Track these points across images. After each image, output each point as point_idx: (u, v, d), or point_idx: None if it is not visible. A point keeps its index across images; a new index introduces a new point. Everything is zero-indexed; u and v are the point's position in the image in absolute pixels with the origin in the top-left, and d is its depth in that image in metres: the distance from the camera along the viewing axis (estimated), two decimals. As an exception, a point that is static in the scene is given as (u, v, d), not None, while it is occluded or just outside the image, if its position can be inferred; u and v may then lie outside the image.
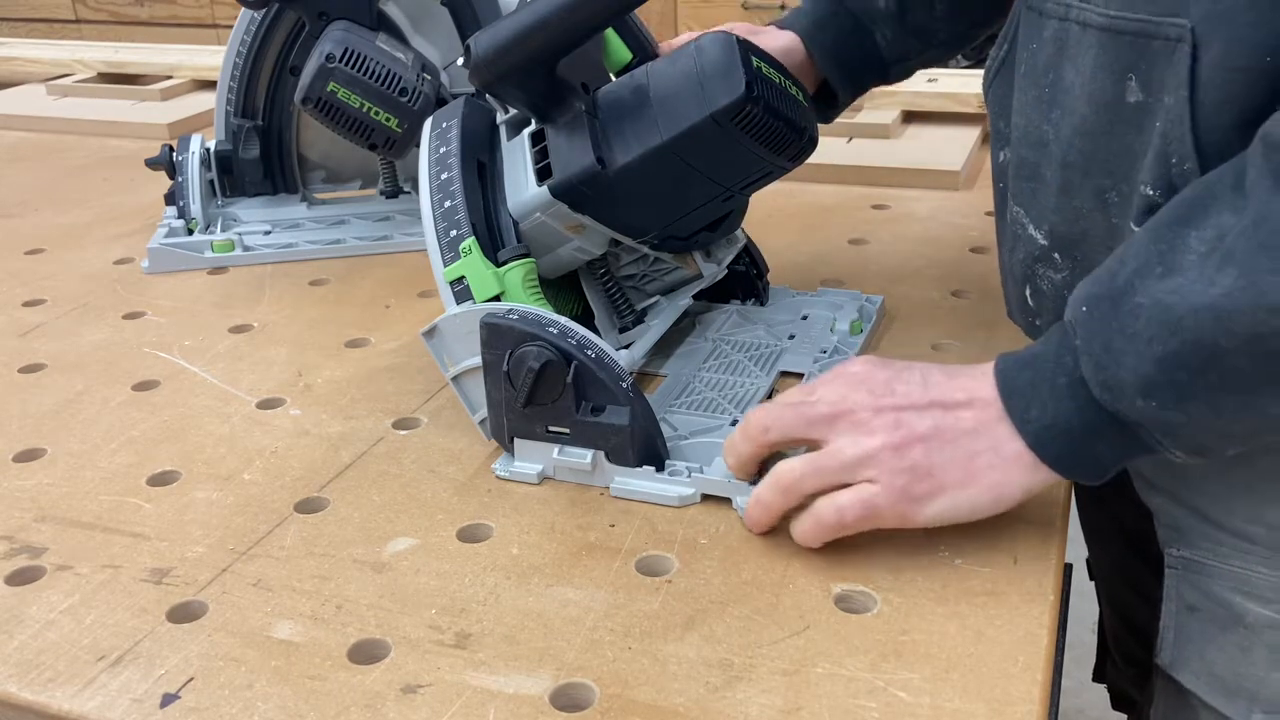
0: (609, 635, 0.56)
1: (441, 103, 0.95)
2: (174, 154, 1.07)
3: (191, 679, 0.54)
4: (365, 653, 0.55)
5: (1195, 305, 0.52)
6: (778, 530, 0.63)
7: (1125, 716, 1.11)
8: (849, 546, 0.61)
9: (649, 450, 0.66)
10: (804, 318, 0.85)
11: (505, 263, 0.69)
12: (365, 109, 0.91)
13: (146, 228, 1.12)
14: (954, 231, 1.04)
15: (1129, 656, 1.06)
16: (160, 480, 0.70)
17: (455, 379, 0.71)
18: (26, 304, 0.97)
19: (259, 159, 1.07)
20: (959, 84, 1.39)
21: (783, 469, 0.61)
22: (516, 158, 0.73)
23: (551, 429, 0.67)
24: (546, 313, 0.67)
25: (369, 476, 0.70)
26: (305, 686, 0.53)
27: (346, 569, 0.61)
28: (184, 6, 3.58)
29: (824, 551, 0.61)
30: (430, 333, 0.70)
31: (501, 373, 0.66)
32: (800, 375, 0.78)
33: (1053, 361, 0.58)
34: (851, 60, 0.89)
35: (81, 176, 1.34)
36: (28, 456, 0.74)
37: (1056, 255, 0.67)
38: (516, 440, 0.69)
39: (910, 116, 1.37)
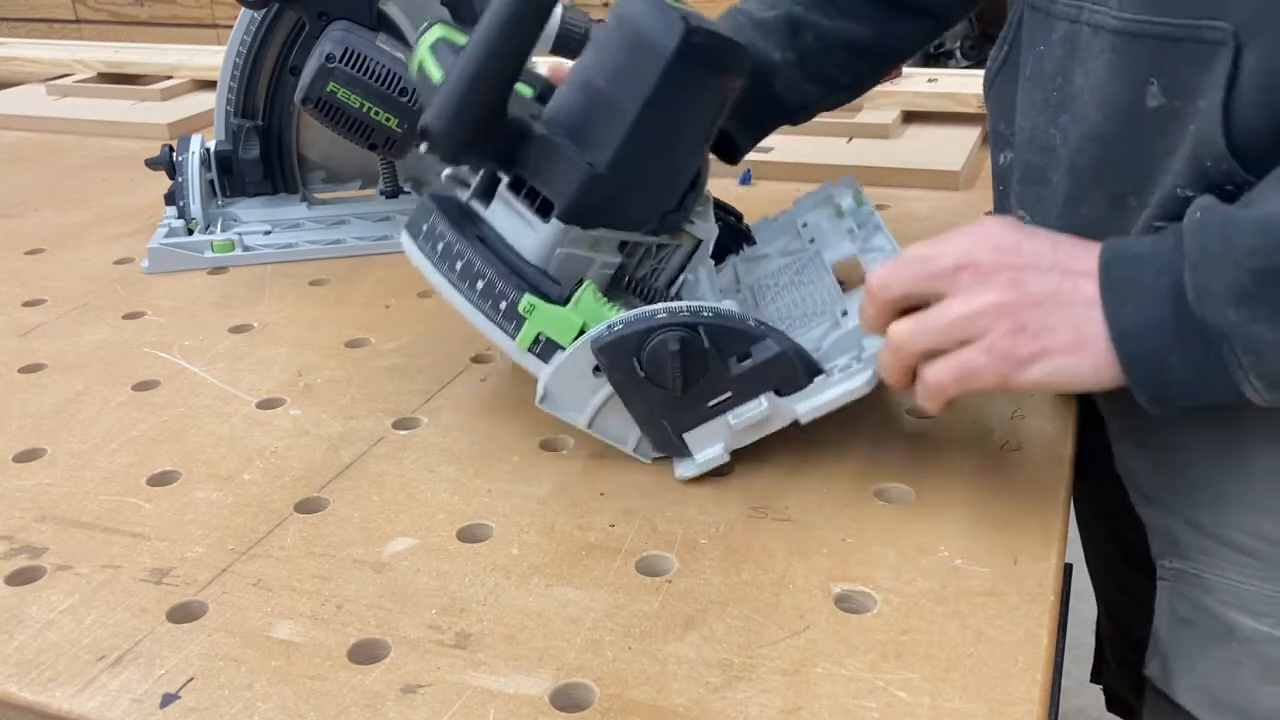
0: (609, 635, 0.56)
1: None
2: (174, 154, 1.07)
3: (191, 679, 0.54)
4: (365, 653, 0.55)
5: None
6: (778, 530, 0.63)
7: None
8: (849, 547, 0.61)
9: (808, 364, 0.66)
10: (804, 225, 0.85)
11: (570, 297, 0.69)
12: (365, 109, 0.91)
13: (146, 228, 1.12)
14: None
15: (1123, 661, 1.06)
16: (160, 480, 0.70)
17: (590, 424, 0.69)
18: (26, 304, 0.97)
19: (259, 159, 1.07)
20: (959, 84, 1.39)
21: (893, 329, 0.60)
22: (508, 215, 0.73)
23: (712, 404, 0.66)
24: (642, 307, 0.67)
25: (369, 476, 0.70)
26: (305, 686, 0.53)
27: (346, 569, 0.61)
28: (184, 6, 3.58)
29: (824, 551, 0.61)
30: (544, 399, 0.69)
31: (641, 381, 0.65)
32: (855, 260, 0.77)
33: (1162, 261, 0.55)
34: (751, 111, 0.88)
35: (81, 176, 1.34)
36: (28, 456, 0.74)
37: None
38: (688, 436, 0.68)
39: (910, 116, 1.37)
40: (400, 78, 0.92)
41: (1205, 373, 0.54)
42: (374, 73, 0.91)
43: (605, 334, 0.66)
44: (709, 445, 0.68)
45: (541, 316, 0.68)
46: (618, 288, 0.78)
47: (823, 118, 0.95)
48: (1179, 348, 0.54)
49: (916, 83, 1.40)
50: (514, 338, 0.69)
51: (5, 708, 0.54)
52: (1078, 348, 0.56)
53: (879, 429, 0.73)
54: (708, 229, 0.81)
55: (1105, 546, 1.02)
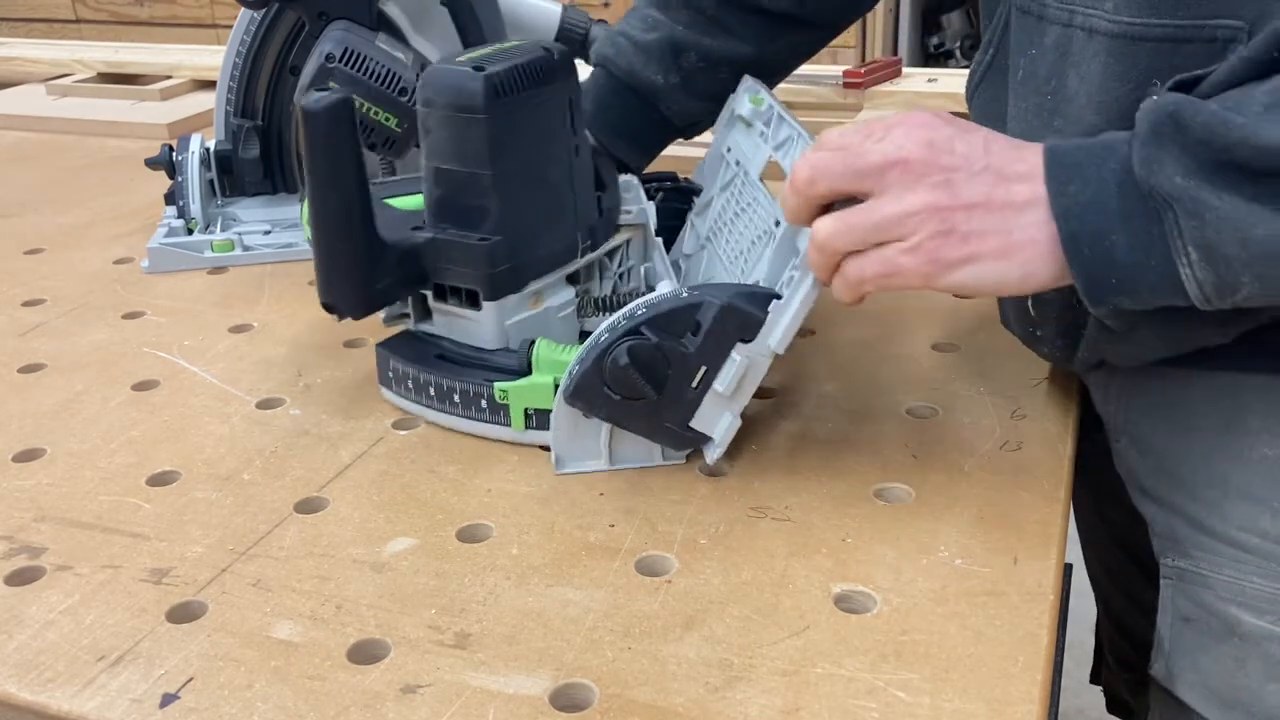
0: (609, 635, 0.56)
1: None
2: (174, 154, 1.07)
3: (191, 679, 0.54)
4: (365, 653, 0.55)
5: (1248, 134, 0.50)
6: (778, 530, 0.63)
7: (1120, 720, 1.11)
8: (849, 547, 0.61)
9: (759, 298, 0.64)
10: (728, 150, 0.84)
11: (529, 363, 0.70)
12: (365, 109, 0.91)
13: (146, 228, 1.12)
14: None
15: (1123, 661, 1.06)
16: (160, 480, 0.70)
17: (613, 461, 0.69)
18: (26, 304, 0.97)
19: (259, 159, 1.07)
20: (959, 84, 1.38)
21: (817, 226, 0.59)
22: (449, 321, 0.75)
23: (695, 385, 0.66)
24: (590, 337, 0.67)
25: (369, 476, 0.70)
26: (305, 686, 0.53)
27: (346, 569, 0.61)
28: (184, 6, 3.59)
29: (824, 551, 0.61)
30: (559, 464, 0.69)
31: (621, 403, 0.65)
32: (774, 162, 0.76)
33: (1106, 148, 0.56)
34: (639, 133, 0.88)
35: (81, 176, 1.34)
36: (28, 456, 0.74)
37: None
38: (694, 423, 0.67)
39: (910, 116, 1.37)
40: (400, 77, 0.92)
41: (1147, 252, 0.54)
42: (374, 73, 0.91)
43: (568, 381, 0.66)
44: (718, 420, 0.67)
45: (517, 394, 0.70)
46: (588, 316, 0.79)
47: (824, 118, 0.95)
48: (1121, 225, 0.54)
49: (916, 83, 1.40)
50: (510, 426, 0.71)
51: (5, 708, 0.54)
52: (1006, 253, 0.56)
53: (879, 429, 0.73)
54: (642, 211, 0.82)
55: (1105, 546, 1.02)
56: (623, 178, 0.84)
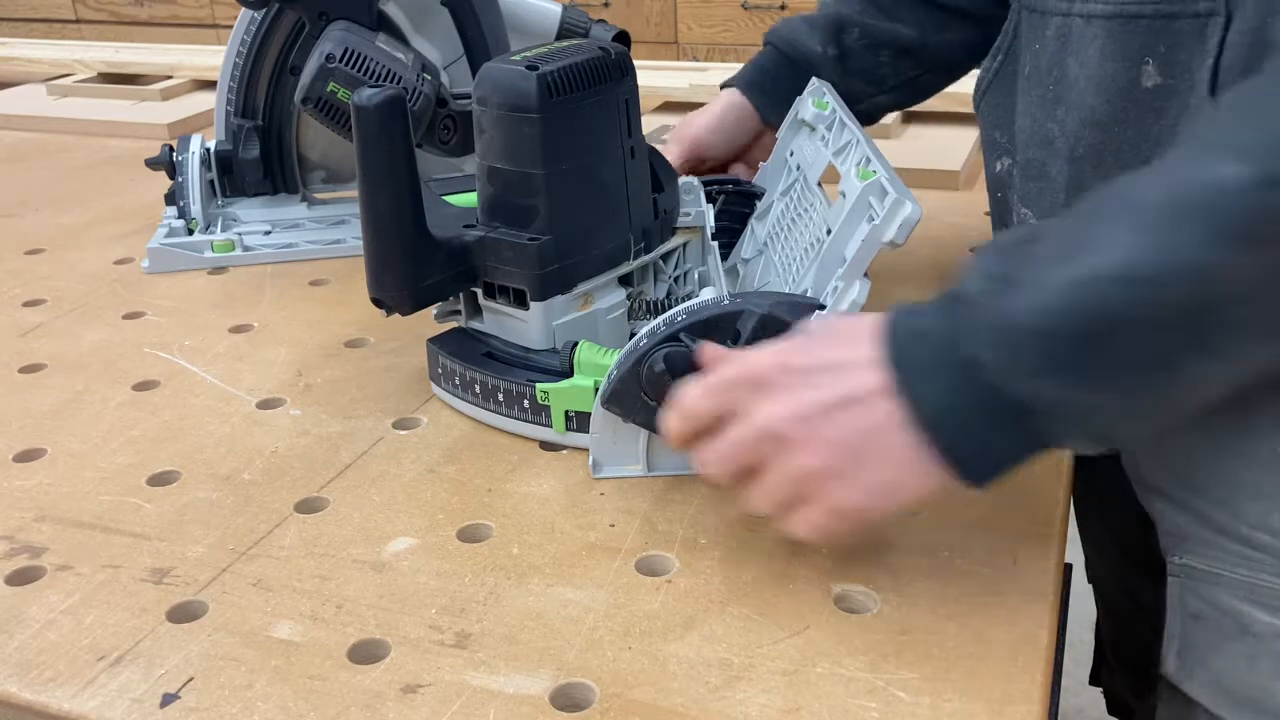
0: (609, 635, 0.56)
1: (442, 103, 0.95)
2: (174, 154, 1.07)
3: (191, 679, 0.54)
4: (365, 653, 0.55)
5: (1097, 271, 0.48)
6: (778, 530, 0.63)
7: (1120, 721, 1.11)
8: (849, 547, 0.61)
9: (801, 308, 0.63)
10: (790, 154, 0.85)
11: (571, 365, 0.70)
12: (365, 109, 0.91)
13: (146, 228, 1.12)
14: (954, 231, 1.04)
15: (1125, 662, 1.06)
16: (160, 480, 0.70)
17: (651, 468, 0.68)
18: (26, 304, 0.97)
19: (259, 159, 1.07)
20: (959, 84, 1.38)
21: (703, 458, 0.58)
22: (499, 320, 0.75)
23: None
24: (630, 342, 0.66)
25: (369, 476, 0.70)
26: (305, 686, 0.53)
27: (346, 569, 0.61)
28: (184, 6, 3.58)
29: (824, 551, 0.61)
30: (596, 468, 0.69)
31: (657, 409, 0.64)
32: (833, 167, 0.75)
33: (948, 335, 0.53)
34: (787, 97, 0.89)
35: (81, 176, 1.34)
36: (28, 456, 0.74)
37: None
38: None
39: (910, 116, 1.37)
40: (400, 78, 0.92)
41: (1025, 441, 0.52)
42: (374, 73, 0.91)
43: (606, 386, 0.66)
44: None
45: (559, 396, 0.70)
46: (643, 317, 0.79)
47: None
48: (991, 424, 0.52)
49: (916, 83, 1.40)
50: (551, 427, 0.71)
51: (5, 708, 0.54)
52: (898, 480, 0.54)
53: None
54: (700, 214, 0.82)
55: (1106, 547, 1.02)
56: (683, 180, 0.84)
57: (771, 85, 0.92)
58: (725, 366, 0.59)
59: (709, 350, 0.62)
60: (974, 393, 0.51)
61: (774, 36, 0.94)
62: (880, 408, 0.54)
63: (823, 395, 0.55)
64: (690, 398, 0.59)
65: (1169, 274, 0.47)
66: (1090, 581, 1.07)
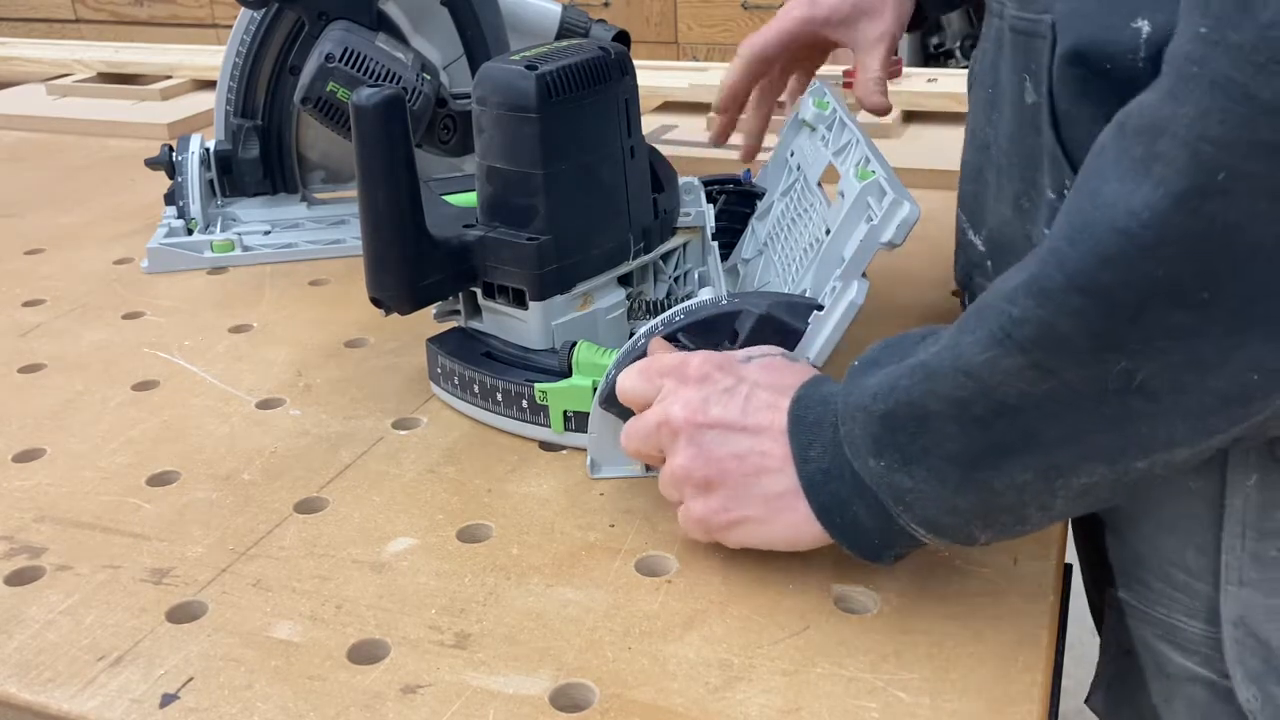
0: (609, 635, 0.56)
1: (441, 103, 0.95)
2: (174, 154, 1.07)
3: (191, 679, 0.54)
4: (365, 653, 0.55)
5: (910, 364, 0.50)
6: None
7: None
8: (849, 546, 0.61)
9: (800, 308, 0.64)
10: (791, 154, 0.84)
11: (569, 365, 0.70)
12: (365, 109, 0.91)
13: (146, 228, 1.12)
14: (953, 232, 1.04)
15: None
16: (160, 480, 0.70)
17: (649, 468, 0.68)
18: (26, 304, 0.97)
19: (259, 159, 1.07)
20: (959, 84, 1.38)
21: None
22: (498, 319, 0.75)
23: None
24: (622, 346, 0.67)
25: (369, 476, 0.70)
26: (305, 686, 0.53)
27: (346, 569, 0.61)
28: (184, 6, 3.59)
29: (824, 551, 0.61)
30: (594, 468, 0.69)
31: None
32: (832, 167, 0.75)
33: (830, 404, 0.55)
34: None
35: (81, 176, 1.34)
36: (28, 456, 0.74)
37: (990, 263, 0.66)
38: None
39: (910, 116, 1.37)
40: (400, 78, 0.92)
41: (887, 520, 0.53)
42: (374, 73, 0.91)
43: (604, 386, 0.66)
44: None
45: (557, 395, 0.70)
46: (643, 317, 0.79)
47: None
48: (856, 495, 0.53)
49: (916, 83, 1.40)
50: (549, 427, 0.71)
51: (5, 708, 0.54)
52: (766, 519, 0.56)
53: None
54: (700, 214, 0.82)
55: (1092, 562, 1.01)
56: (683, 180, 0.84)
57: None
58: (665, 355, 0.61)
59: (656, 343, 0.64)
60: (841, 461, 0.53)
61: None
62: (774, 451, 0.56)
63: (729, 412, 0.57)
64: (625, 377, 0.62)
65: (948, 369, 0.48)
66: (1086, 597, 1.06)
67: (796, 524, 0.55)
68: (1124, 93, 0.44)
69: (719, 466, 0.57)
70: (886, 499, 0.52)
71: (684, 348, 0.63)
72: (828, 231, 0.69)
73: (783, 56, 0.93)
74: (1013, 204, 0.63)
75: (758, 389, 0.58)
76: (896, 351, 0.53)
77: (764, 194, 0.87)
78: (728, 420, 0.57)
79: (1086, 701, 0.69)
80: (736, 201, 0.87)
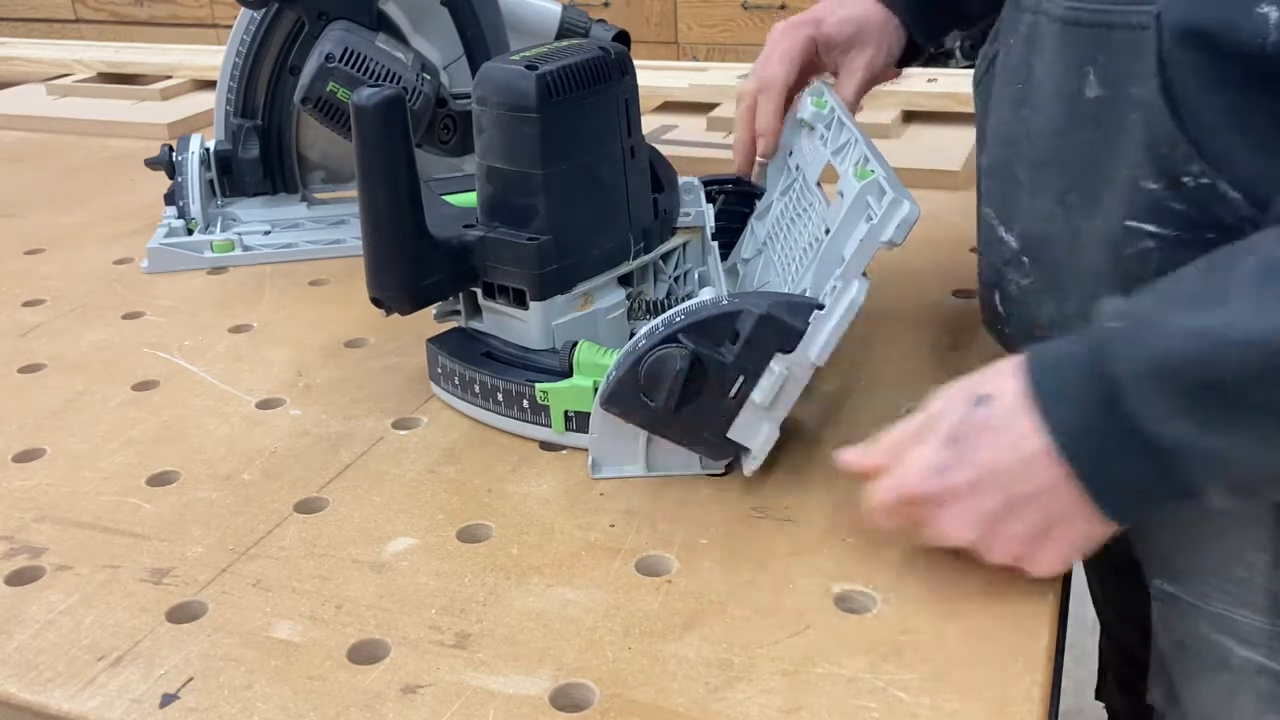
0: (609, 635, 0.56)
1: (441, 103, 0.95)
2: (174, 154, 1.07)
3: (191, 679, 0.54)
4: (365, 653, 0.55)
5: (1244, 337, 0.47)
6: (778, 530, 0.63)
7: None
8: (849, 547, 0.61)
9: (800, 308, 0.63)
10: (791, 154, 0.84)
11: (570, 365, 0.70)
12: (365, 109, 0.91)
13: (146, 228, 1.12)
14: (954, 231, 1.04)
15: (1122, 681, 1.05)
16: (160, 480, 0.70)
17: (651, 468, 0.68)
18: (26, 304, 0.97)
19: (259, 159, 1.07)
20: (959, 84, 1.39)
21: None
22: (499, 319, 0.75)
23: (733, 394, 0.64)
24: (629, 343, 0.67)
25: (369, 476, 0.70)
26: (305, 686, 0.53)
27: (346, 569, 0.61)
28: (184, 6, 3.58)
29: (824, 551, 0.61)
30: (595, 467, 0.69)
31: (668, 411, 0.64)
32: (830, 166, 0.74)
33: (1087, 359, 0.53)
34: (929, 11, 0.87)
35: (81, 176, 1.34)
36: (28, 456, 0.74)
37: (1025, 259, 0.66)
38: (732, 433, 0.65)
39: (910, 116, 1.37)
40: (400, 78, 0.92)
41: (1165, 480, 0.51)
42: (374, 73, 0.91)
43: (605, 387, 0.66)
44: (756, 432, 0.65)
45: (558, 396, 0.70)
46: (643, 317, 0.79)
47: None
48: (1126, 453, 0.51)
49: (916, 83, 1.40)
50: (550, 427, 0.71)
51: (5, 708, 0.54)
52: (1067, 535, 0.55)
53: (880, 429, 0.72)
54: (700, 214, 0.82)
55: (1099, 562, 1.01)
56: (683, 180, 0.84)
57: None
58: (887, 485, 0.58)
59: (848, 456, 0.60)
60: (1112, 418, 0.51)
61: None
62: (1046, 473, 0.53)
63: (993, 503, 0.55)
64: (874, 518, 0.59)
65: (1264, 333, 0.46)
66: (1090, 597, 1.06)
67: (1081, 518, 0.54)
68: (1255, 75, 0.46)
69: (1012, 533, 0.55)
70: (1184, 459, 0.50)
71: (684, 348, 0.63)
72: (827, 231, 0.69)
73: (795, 81, 0.93)
74: (1056, 199, 0.62)
75: (997, 454, 0.55)
76: (1154, 305, 0.51)
77: (763, 194, 0.87)
78: (1006, 502, 0.55)
79: (1147, 698, 0.69)
80: (736, 201, 0.87)
